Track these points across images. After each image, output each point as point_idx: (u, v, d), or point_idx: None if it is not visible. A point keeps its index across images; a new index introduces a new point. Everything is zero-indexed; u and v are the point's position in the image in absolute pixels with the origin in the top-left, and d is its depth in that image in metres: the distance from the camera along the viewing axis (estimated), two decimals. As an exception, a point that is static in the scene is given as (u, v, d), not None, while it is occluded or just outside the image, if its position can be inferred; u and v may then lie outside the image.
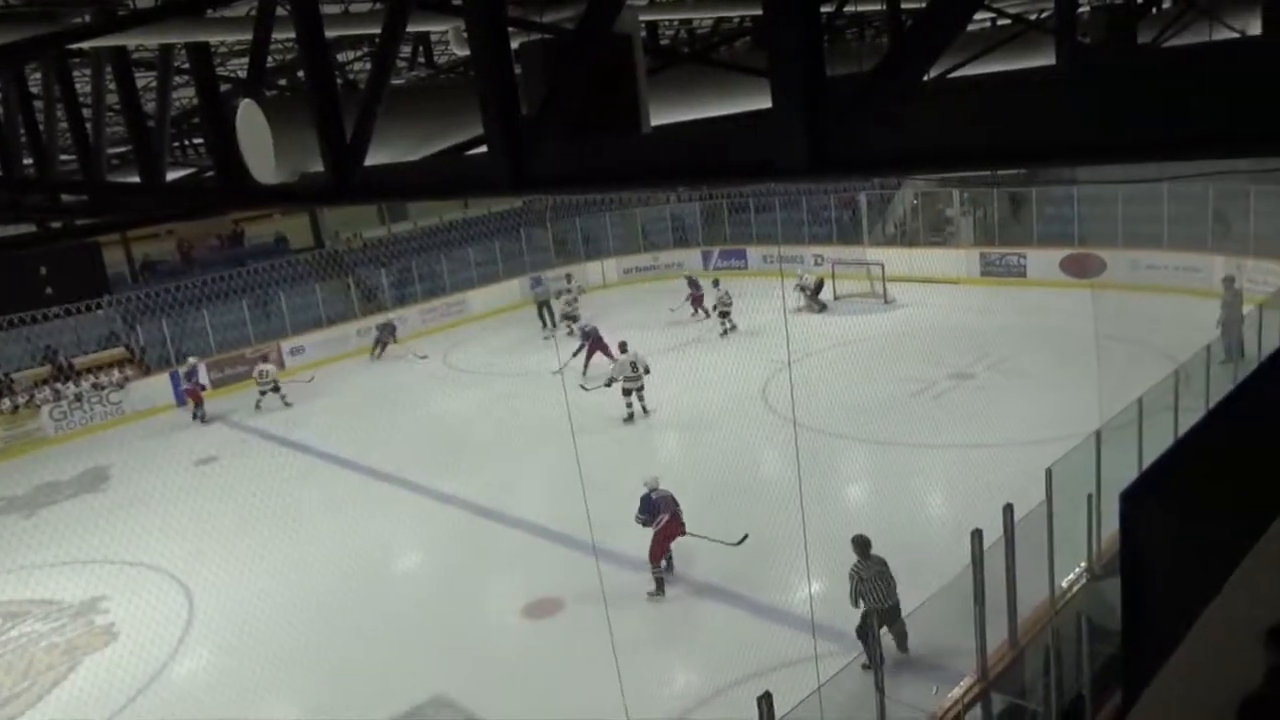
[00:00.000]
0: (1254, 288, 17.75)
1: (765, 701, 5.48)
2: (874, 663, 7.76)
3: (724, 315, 22.32)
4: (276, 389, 20.84)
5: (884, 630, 8.66)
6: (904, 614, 8.86)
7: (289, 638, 10.95)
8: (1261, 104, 1.44)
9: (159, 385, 22.31)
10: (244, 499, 15.34)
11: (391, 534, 13.77)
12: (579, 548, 11.03)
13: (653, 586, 11.04)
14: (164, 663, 11.04)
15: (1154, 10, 8.05)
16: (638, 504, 11.29)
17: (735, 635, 9.76)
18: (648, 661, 9.43)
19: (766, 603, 10.44)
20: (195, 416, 20.70)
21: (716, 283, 23.58)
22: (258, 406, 20.69)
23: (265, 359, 22.92)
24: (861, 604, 8.88)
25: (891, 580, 8.95)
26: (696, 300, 24.29)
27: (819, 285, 24.44)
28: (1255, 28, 7.77)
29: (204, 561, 13.13)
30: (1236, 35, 8.05)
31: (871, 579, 8.88)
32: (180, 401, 21.46)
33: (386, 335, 24.31)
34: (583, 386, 17.88)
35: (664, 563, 11.19)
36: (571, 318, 23.84)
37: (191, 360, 21.60)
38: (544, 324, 25.01)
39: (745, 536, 11.12)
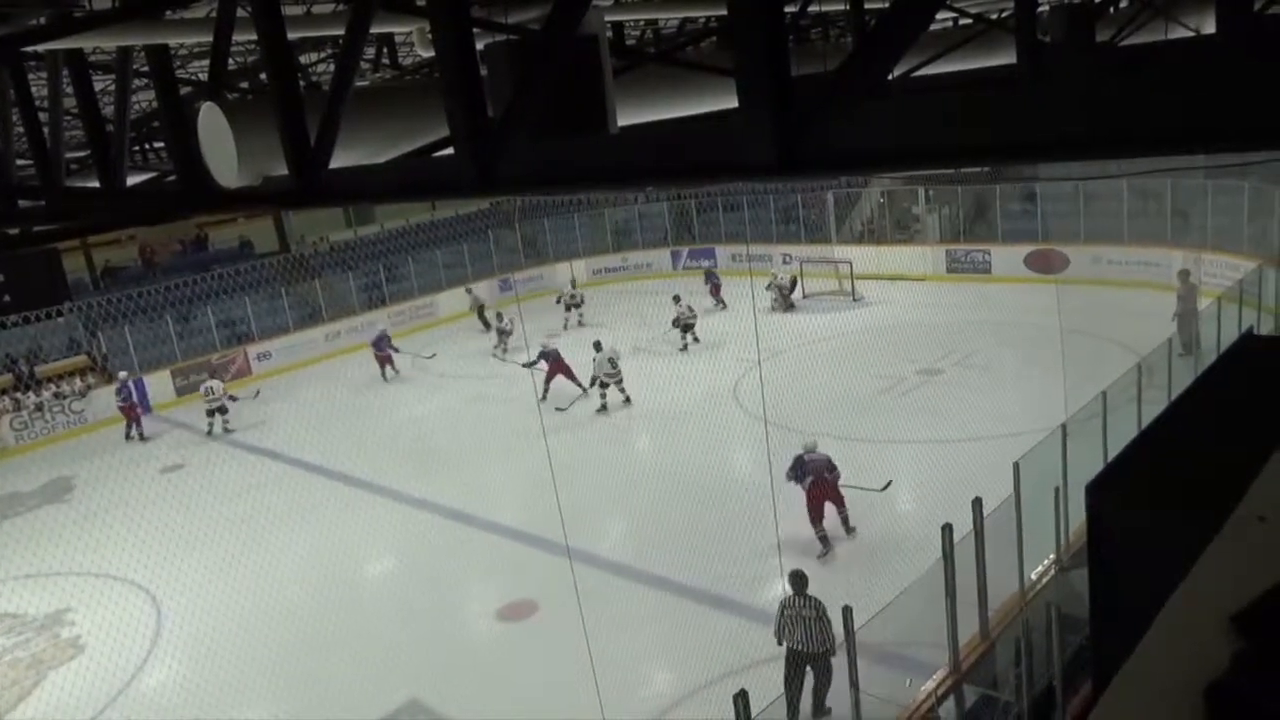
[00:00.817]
0: (1212, 281, 18.10)
1: (741, 699, 5.50)
2: (790, 708, 7.62)
3: (687, 329, 21.60)
4: (223, 410, 19.49)
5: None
6: (881, 608, 8.77)
7: (260, 647, 10.82)
8: (1215, 101, 1.46)
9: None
10: (212, 507, 15.14)
11: (363, 540, 13.65)
12: (553, 549, 11.00)
13: (820, 549, 11.19)
14: (132, 675, 10.87)
15: (1112, 10, 8.18)
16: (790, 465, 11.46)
17: (710, 633, 9.78)
18: (624, 662, 9.42)
19: (741, 600, 10.48)
20: (129, 436, 19.75)
21: (677, 299, 22.08)
22: (209, 432, 19.53)
23: (213, 374, 21.96)
24: (784, 642, 8.14)
25: (825, 624, 7.96)
26: (716, 290, 24.74)
27: (793, 284, 24.53)
28: (1209, 26, 7.92)
29: (172, 571, 12.93)
30: (1191, 34, 8.21)
31: (792, 619, 8.08)
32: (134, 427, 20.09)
33: (385, 348, 22.22)
34: (558, 408, 17.82)
35: (825, 526, 11.26)
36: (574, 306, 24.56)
37: (122, 375, 20.47)
38: (486, 327, 24.84)
39: (889, 483, 11.90)
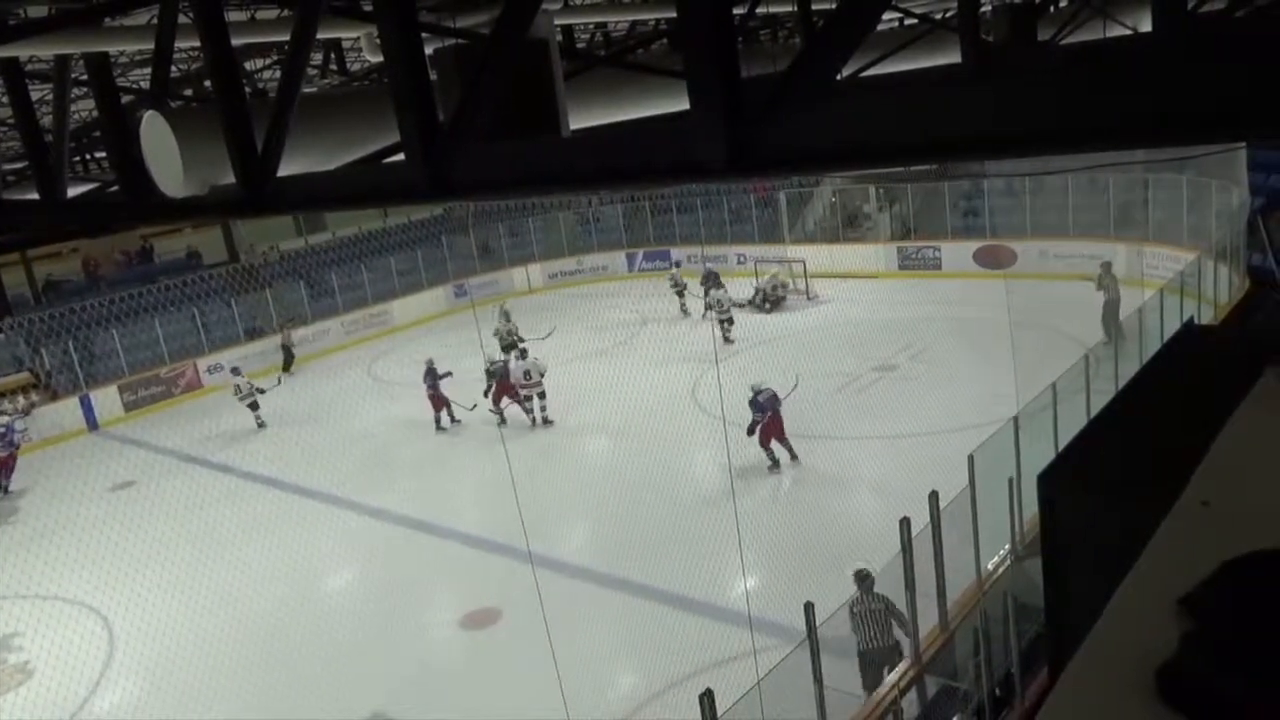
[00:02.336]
0: (1153, 273, 18.57)
1: (707, 699, 5.52)
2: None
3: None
4: (256, 405, 19.39)
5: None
6: (843, 603, 8.70)
7: (217, 666, 10.61)
8: (1152, 98, 1.50)
9: (67, 410, 21.41)
10: (164, 524, 14.81)
11: (321, 553, 13.45)
12: (514, 556, 10.95)
13: (770, 461, 13.88)
14: (84, 699, 10.60)
15: (1052, 9, 8.35)
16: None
17: (675, 635, 9.80)
18: (589, 666, 9.40)
19: (704, 600, 10.51)
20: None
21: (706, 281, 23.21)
22: (260, 425, 19.42)
23: (236, 371, 20.63)
24: (857, 642, 7.95)
25: (892, 620, 7.85)
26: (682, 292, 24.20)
27: (772, 286, 24.30)
28: (1146, 25, 8.13)
29: (124, 591, 12.61)
30: (1129, 32, 8.42)
31: (862, 614, 7.90)
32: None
33: (438, 385, 18.09)
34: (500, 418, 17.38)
35: (774, 454, 13.77)
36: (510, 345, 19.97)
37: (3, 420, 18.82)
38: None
39: (796, 380, 14.44)
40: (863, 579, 7.94)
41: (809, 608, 6.78)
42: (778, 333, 21.29)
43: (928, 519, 7.73)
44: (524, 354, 17.52)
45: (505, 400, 17.53)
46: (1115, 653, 1.54)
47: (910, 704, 7.68)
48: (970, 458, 8.29)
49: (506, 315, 21.99)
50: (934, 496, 7.78)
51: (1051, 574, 4.57)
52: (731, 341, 21.17)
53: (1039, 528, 5.23)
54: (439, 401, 17.78)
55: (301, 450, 17.69)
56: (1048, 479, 4.64)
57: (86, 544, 14.28)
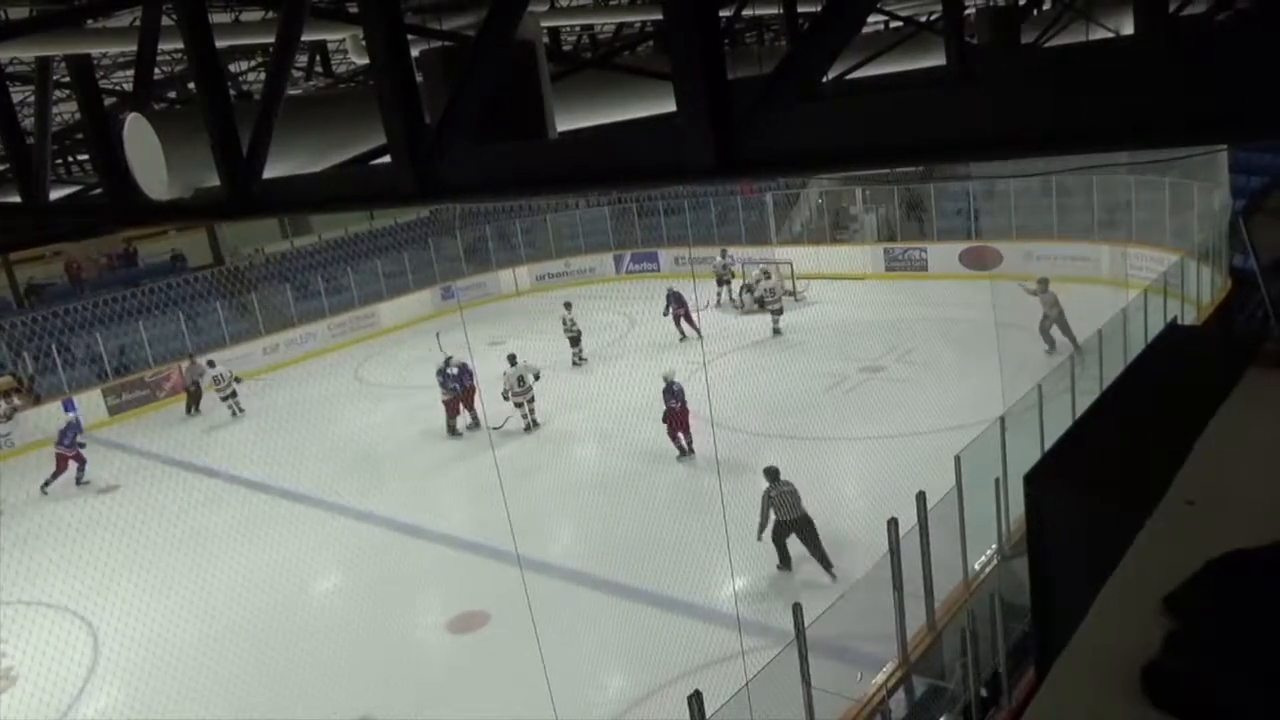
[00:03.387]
0: (1137, 274, 18.70)
1: (696, 700, 5.52)
2: (784, 563, 10.87)
3: (574, 343, 21.34)
4: (234, 394, 20.22)
5: (794, 541, 10.82)
6: (830, 603, 8.88)
7: (203, 671, 10.53)
8: (1135, 100, 1.51)
9: (50, 414, 21.21)
10: (149, 529, 14.68)
11: (307, 556, 13.38)
12: (502, 558, 10.91)
13: (678, 451, 14.68)
14: (68, 705, 10.51)
15: (1035, 12, 8.41)
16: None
17: (663, 636, 9.79)
18: (577, 669, 9.39)
19: (692, 601, 10.51)
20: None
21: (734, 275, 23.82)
22: (234, 414, 20.33)
23: (210, 363, 20.86)
24: (774, 516, 10.73)
25: (799, 498, 10.75)
26: (681, 317, 21.60)
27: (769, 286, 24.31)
28: (1128, 28, 8.19)
29: (108, 596, 12.51)
30: (1111, 34, 8.48)
31: (779, 496, 10.71)
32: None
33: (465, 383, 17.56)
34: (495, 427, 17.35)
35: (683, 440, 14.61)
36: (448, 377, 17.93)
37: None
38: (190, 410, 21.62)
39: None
40: (772, 473, 10.79)
41: (797, 609, 6.79)
42: (765, 334, 21.32)
43: (915, 519, 7.76)
44: (513, 359, 17.36)
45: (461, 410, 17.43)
46: (1101, 652, 1.55)
47: (898, 704, 7.71)
48: (957, 458, 8.32)
49: (568, 306, 22.12)
50: (921, 497, 7.81)
51: (1037, 573, 4.60)
52: (780, 332, 21.46)
53: (1025, 527, 5.27)
54: (456, 406, 17.42)
55: (288, 453, 17.59)
56: (1034, 479, 4.68)
57: (70, 549, 14.16)
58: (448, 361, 17.44)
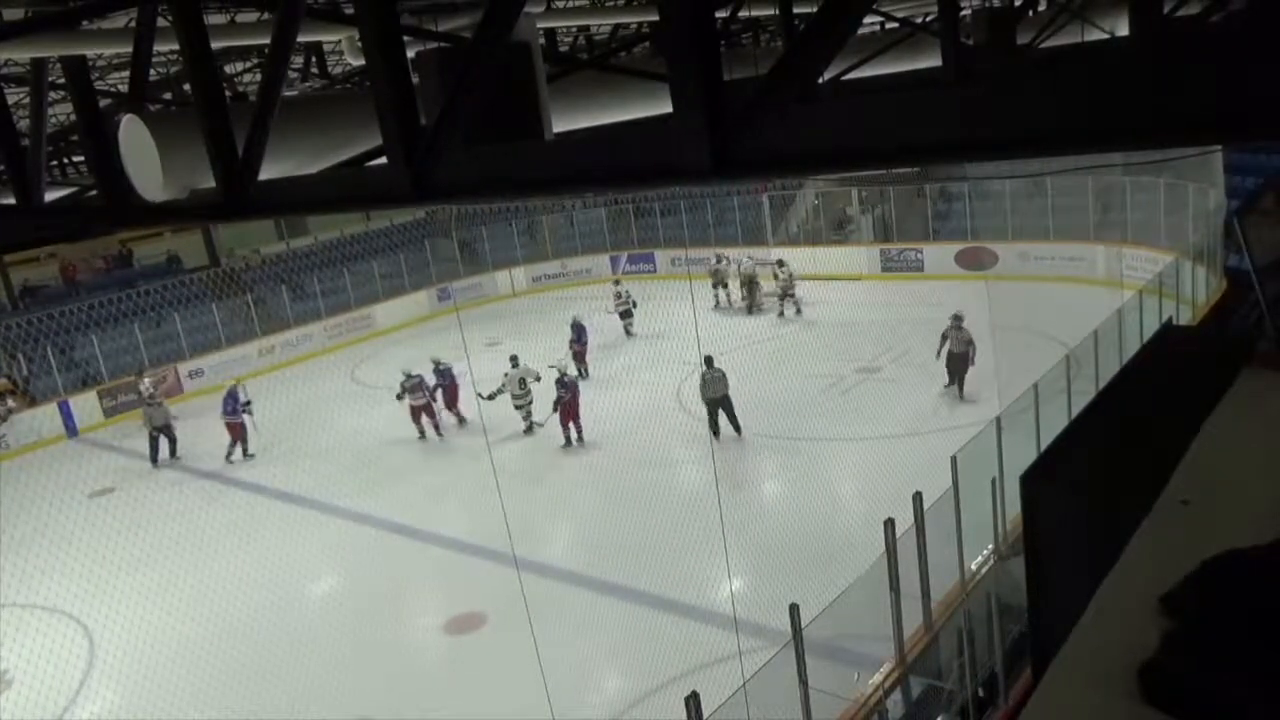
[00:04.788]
0: (1132, 274, 18.75)
1: (693, 701, 5.52)
2: (712, 430, 14.93)
3: (625, 315, 22.82)
4: (166, 428, 18.07)
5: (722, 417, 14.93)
6: (827, 604, 8.87)
7: (199, 673, 10.51)
8: (1130, 101, 1.52)
9: (45, 416, 21.18)
10: (145, 530, 14.67)
11: (304, 558, 13.35)
12: (498, 560, 10.91)
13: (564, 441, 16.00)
14: (64, 708, 10.48)
15: (1031, 13, 8.43)
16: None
17: (660, 637, 9.79)
18: (574, 670, 9.39)
19: (689, 602, 10.51)
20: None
21: (617, 282, 24.23)
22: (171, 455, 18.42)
23: (159, 382, 20.34)
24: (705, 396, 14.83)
25: (724, 381, 14.89)
26: (578, 355, 20.12)
27: (750, 282, 24.38)
28: (1123, 29, 8.21)
29: (104, 599, 12.48)
30: (1107, 35, 8.51)
31: (710, 380, 14.80)
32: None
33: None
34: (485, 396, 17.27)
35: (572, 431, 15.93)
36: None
37: None
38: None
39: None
40: (709, 359, 14.80)
41: (794, 609, 6.79)
42: (762, 334, 21.34)
43: (911, 520, 7.76)
44: (515, 360, 17.33)
45: (426, 417, 17.44)
46: (1097, 652, 1.55)
47: (895, 704, 7.71)
48: (953, 459, 8.33)
49: (617, 281, 23.86)
50: (918, 497, 7.82)
51: (1034, 573, 4.60)
52: (801, 313, 22.94)
53: (1021, 527, 5.27)
54: (419, 413, 17.47)
55: (284, 455, 17.57)
56: (1030, 479, 4.67)
57: (66, 551, 14.13)
58: (408, 376, 17.45)
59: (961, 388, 15.63)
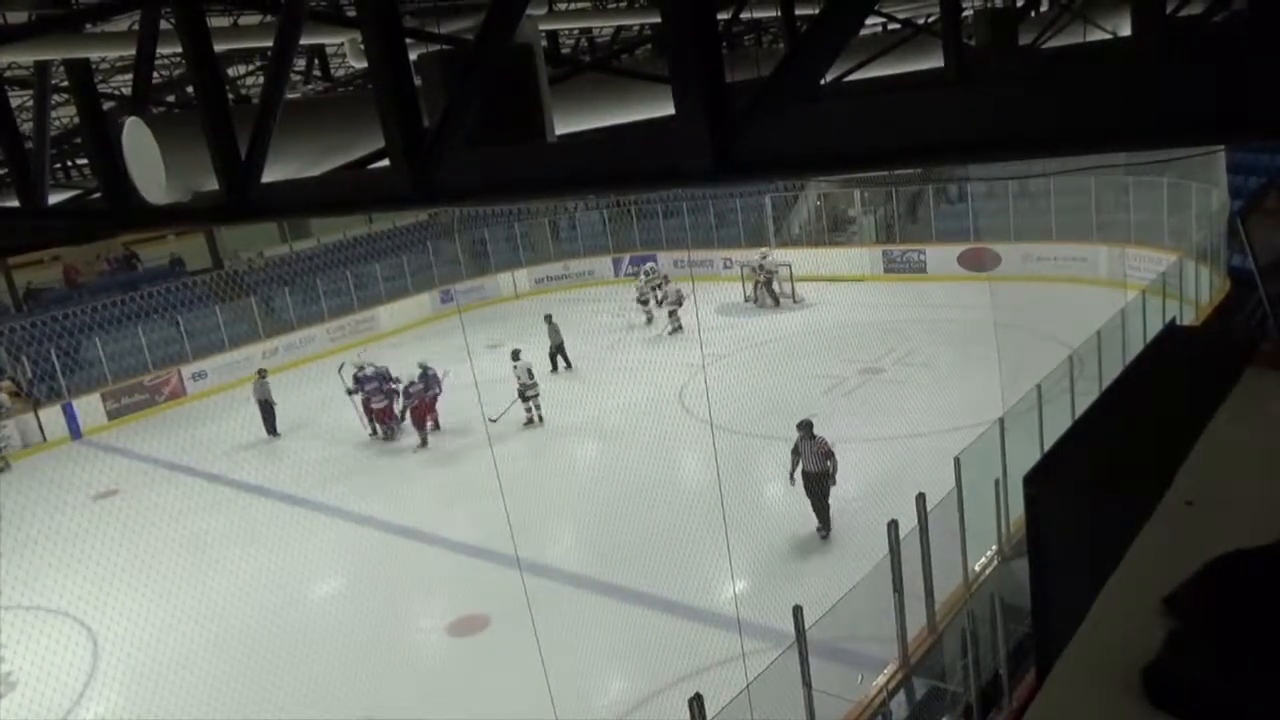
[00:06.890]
0: (1135, 274, 18.72)
1: (697, 703, 5.52)
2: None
3: (671, 313, 22.70)
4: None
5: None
6: (831, 606, 8.65)
7: (203, 676, 10.52)
8: (1131, 101, 1.52)
9: (49, 419, 21.22)
10: (149, 533, 14.69)
11: (308, 560, 13.36)
12: (501, 561, 10.91)
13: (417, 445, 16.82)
14: (68, 710, 10.49)
15: (1033, 14, 8.42)
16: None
17: (663, 639, 9.79)
18: (578, 672, 9.38)
19: (692, 604, 10.51)
20: None
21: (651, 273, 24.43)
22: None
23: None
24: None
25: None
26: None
27: (769, 280, 24.46)
28: (1125, 29, 8.20)
29: (108, 601, 12.49)
30: (1109, 36, 8.50)
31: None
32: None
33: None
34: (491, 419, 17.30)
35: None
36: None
37: None
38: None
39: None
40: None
41: (797, 611, 6.79)
42: (765, 336, 21.32)
43: (915, 521, 7.76)
44: (517, 354, 17.42)
45: (414, 418, 17.39)
46: (1101, 653, 1.54)
47: (899, 706, 7.70)
48: (956, 459, 8.33)
49: (666, 279, 23.97)
50: (921, 498, 7.81)
51: (1037, 574, 4.60)
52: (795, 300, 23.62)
53: (1025, 528, 5.27)
54: (374, 411, 17.74)
55: (286, 457, 17.59)
56: (1033, 480, 4.67)
57: (69, 553, 14.16)
58: (360, 368, 17.59)
59: (826, 518, 11.74)
